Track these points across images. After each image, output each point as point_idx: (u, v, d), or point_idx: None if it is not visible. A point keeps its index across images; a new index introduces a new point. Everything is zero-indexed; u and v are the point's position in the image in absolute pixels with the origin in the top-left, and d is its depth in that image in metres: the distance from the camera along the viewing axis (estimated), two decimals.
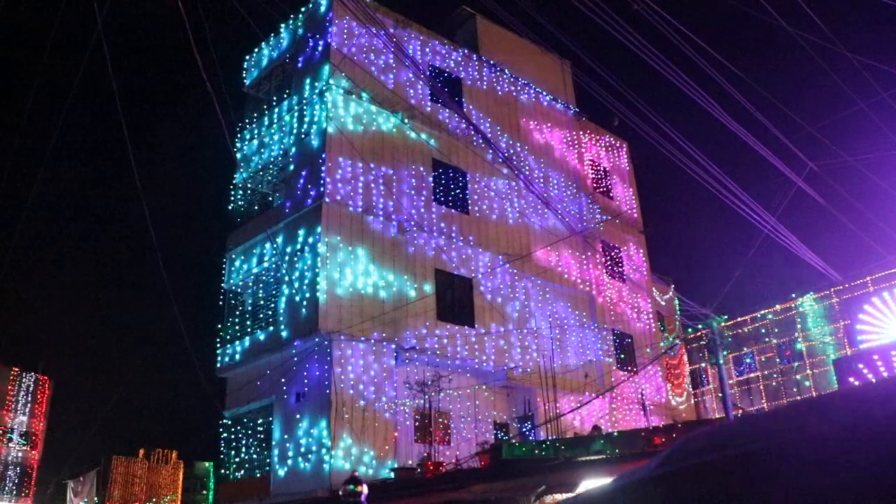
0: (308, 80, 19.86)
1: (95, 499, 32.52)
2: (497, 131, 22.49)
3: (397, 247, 18.67)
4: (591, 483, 11.21)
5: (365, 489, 6.83)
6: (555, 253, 22.36)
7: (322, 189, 17.85)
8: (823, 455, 1.58)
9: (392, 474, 15.84)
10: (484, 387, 19.27)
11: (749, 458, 1.72)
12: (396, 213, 18.89)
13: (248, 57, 22.92)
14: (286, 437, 17.05)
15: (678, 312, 28.82)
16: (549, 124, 24.81)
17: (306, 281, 17.42)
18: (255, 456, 18.45)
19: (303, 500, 15.79)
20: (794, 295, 28.23)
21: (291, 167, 19.35)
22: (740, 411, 21.18)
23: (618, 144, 28.03)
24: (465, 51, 22.96)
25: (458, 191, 20.81)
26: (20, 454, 35.33)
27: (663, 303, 28.37)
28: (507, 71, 23.85)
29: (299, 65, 20.49)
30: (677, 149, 15.18)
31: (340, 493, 6.80)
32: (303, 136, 19.20)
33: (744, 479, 1.73)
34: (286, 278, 18.10)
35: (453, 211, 20.30)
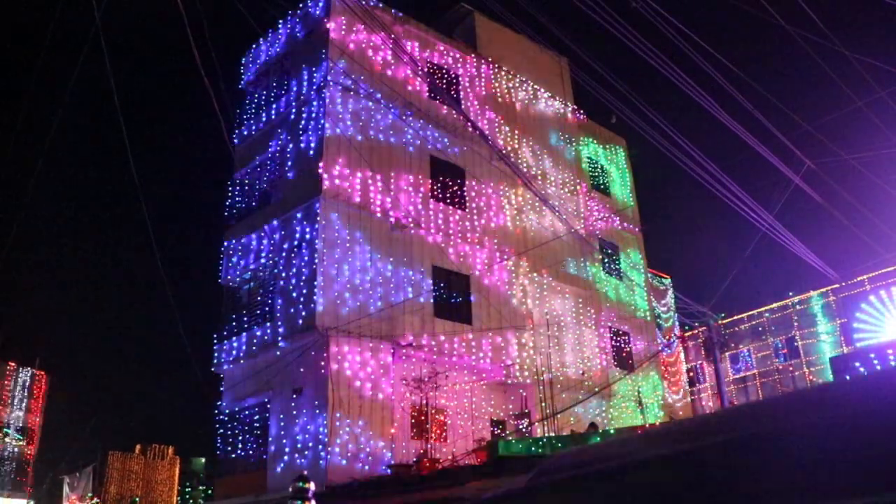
0: (306, 77, 19.82)
1: (90, 494, 32.51)
2: (495, 128, 22.47)
3: (395, 243, 18.65)
4: None
5: (312, 486, 7.15)
6: (553, 250, 22.35)
7: (319, 185, 17.83)
8: (809, 447, 1.57)
9: (389, 471, 15.85)
10: (481, 383, 19.28)
11: (730, 446, 1.71)
12: (394, 210, 18.87)
13: (246, 54, 22.87)
14: (283, 432, 17.05)
15: (674, 310, 28.85)
16: (546, 121, 24.79)
17: (303, 277, 17.40)
18: (251, 452, 18.44)
19: None
20: (791, 293, 28.29)
21: (289, 163, 19.33)
22: None
23: (615, 142, 28.03)
24: (463, 48, 22.93)
25: (455, 187, 20.79)
26: (16, 449, 35.34)
27: (662, 302, 28.39)
28: (504, 68, 23.82)
29: (297, 61, 20.45)
30: (675, 146, 15.20)
31: (290, 489, 7.07)
32: (300, 132, 19.17)
33: (723, 469, 1.72)
34: (283, 274, 18.09)
35: (451, 207, 20.30)
